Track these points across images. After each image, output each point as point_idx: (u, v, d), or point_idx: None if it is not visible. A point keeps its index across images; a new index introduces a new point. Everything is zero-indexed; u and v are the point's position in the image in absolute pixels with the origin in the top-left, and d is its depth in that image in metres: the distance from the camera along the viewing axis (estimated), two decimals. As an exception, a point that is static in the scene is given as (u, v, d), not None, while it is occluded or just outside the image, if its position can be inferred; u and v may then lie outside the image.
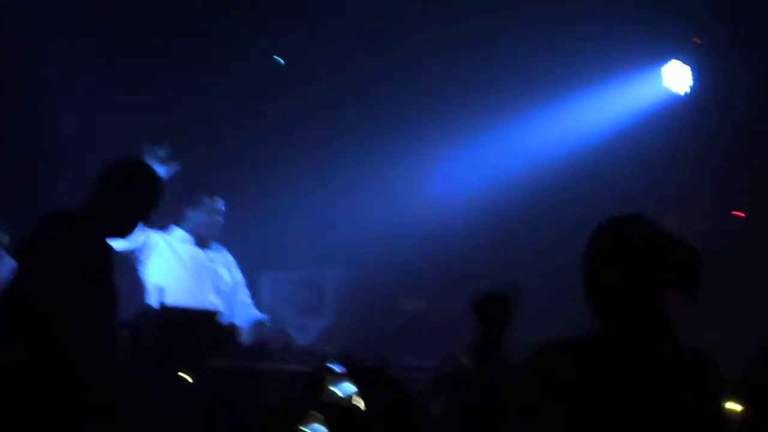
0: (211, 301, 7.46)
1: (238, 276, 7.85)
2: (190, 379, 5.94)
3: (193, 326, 6.27)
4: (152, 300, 7.17)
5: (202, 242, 7.66)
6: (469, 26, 9.23)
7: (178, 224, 7.60)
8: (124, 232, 5.45)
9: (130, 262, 7.35)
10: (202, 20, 9.20)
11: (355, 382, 4.22)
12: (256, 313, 7.75)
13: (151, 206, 5.47)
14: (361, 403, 4.19)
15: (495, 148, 9.62)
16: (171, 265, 7.48)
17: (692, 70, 9.32)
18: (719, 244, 7.91)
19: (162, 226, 7.45)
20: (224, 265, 7.78)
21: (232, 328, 6.83)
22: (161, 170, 7.15)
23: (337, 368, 4.53)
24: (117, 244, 6.17)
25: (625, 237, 3.50)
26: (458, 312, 8.08)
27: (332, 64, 9.52)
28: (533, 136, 9.48)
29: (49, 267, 5.07)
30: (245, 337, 7.16)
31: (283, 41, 9.49)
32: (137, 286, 7.38)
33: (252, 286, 8.07)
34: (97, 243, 5.26)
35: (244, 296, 7.83)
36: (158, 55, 9.16)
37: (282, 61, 9.45)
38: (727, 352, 3.77)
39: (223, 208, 7.66)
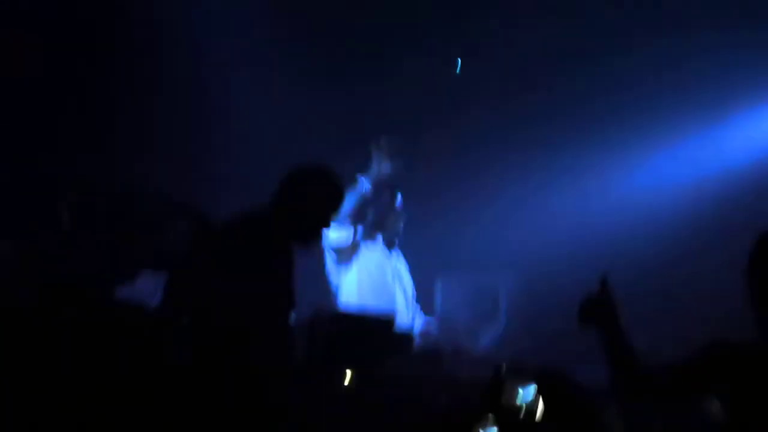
0: (394, 304, 7.47)
1: (408, 281, 7.85)
2: (361, 383, 5.94)
3: (368, 330, 6.25)
4: (340, 301, 7.24)
5: (388, 243, 7.67)
6: (677, 36, 9.14)
7: (364, 222, 7.61)
8: (307, 237, 5.47)
9: (326, 260, 7.43)
10: (394, 19, 9.28)
11: (534, 387, 4.14)
12: (426, 317, 7.73)
13: (334, 212, 5.48)
14: (540, 408, 4.12)
15: (684, 154, 9.57)
16: (361, 265, 7.51)
17: None
18: None
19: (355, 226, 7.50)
20: (405, 268, 7.79)
21: (407, 334, 6.82)
22: (387, 165, 7.24)
23: (514, 373, 4.45)
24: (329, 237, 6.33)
25: None
26: (638, 320, 7.90)
27: (522, 63, 9.52)
28: (722, 144, 9.41)
29: (229, 266, 5.12)
30: (417, 342, 7.14)
31: (471, 42, 9.50)
32: (326, 286, 7.45)
33: (424, 288, 8.05)
34: (279, 246, 5.29)
35: (415, 300, 7.83)
36: (342, 54, 9.28)
37: (459, 63, 9.48)
38: None
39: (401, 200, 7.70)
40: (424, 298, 8.03)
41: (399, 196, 7.63)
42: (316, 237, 5.47)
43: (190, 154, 8.58)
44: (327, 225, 5.46)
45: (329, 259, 7.43)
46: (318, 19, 9.10)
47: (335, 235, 7.30)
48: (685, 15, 9.00)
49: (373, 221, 7.54)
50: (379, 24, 9.28)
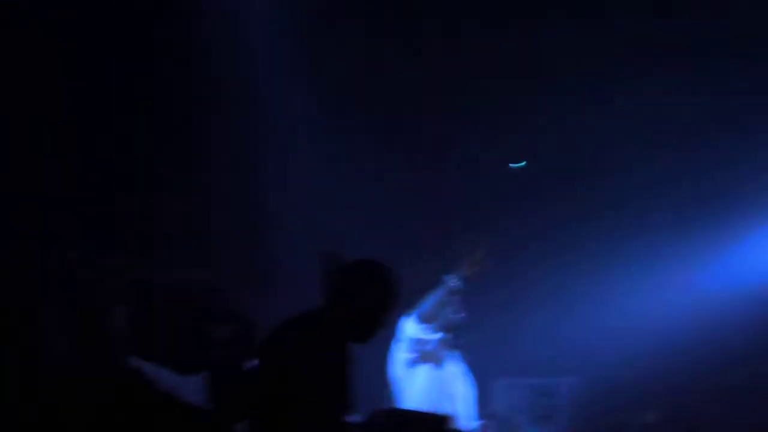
0: (448, 406, 7.43)
1: (469, 383, 7.82)
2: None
3: (425, 428, 6.23)
4: (401, 398, 7.24)
5: (449, 344, 7.65)
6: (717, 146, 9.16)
7: (427, 322, 7.60)
8: (363, 339, 5.45)
9: (391, 356, 7.44)
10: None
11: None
12: (484, 419, 7.68)
13: (391, 309, 5.46)
14: None
15: (735, 264, 9.53)
16: (433, 373, 7.51)
17: None
18: None
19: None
20: (462, 371, 7.76)
21: (464, 432, 6.79)
22: (475, 263, 7.27)
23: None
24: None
25: None
26: (692, 427, 7.83)
27: (588, 166, 9.55)
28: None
29: (287, 371, 5.11)
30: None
31: (539, 141, 9.60)
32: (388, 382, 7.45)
33: (485, 391, 8.01)
34: (335, 344, 5.28)
35: (472, 402, 7.78)
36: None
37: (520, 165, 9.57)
38: None
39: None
40: (483, 400, 7.99)
41: (450, 293, 7.64)
42: (371, 335, 5.44)
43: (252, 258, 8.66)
44: (383, 323, 5.43)
45: (399, 355, 7.44)
46: (389, 112, 9.20)
47: (414, 332, 7.33)
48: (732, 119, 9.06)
49: (449, 321, 7.54)
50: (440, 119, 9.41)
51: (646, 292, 9.55)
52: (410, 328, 7.34)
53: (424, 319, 7.33)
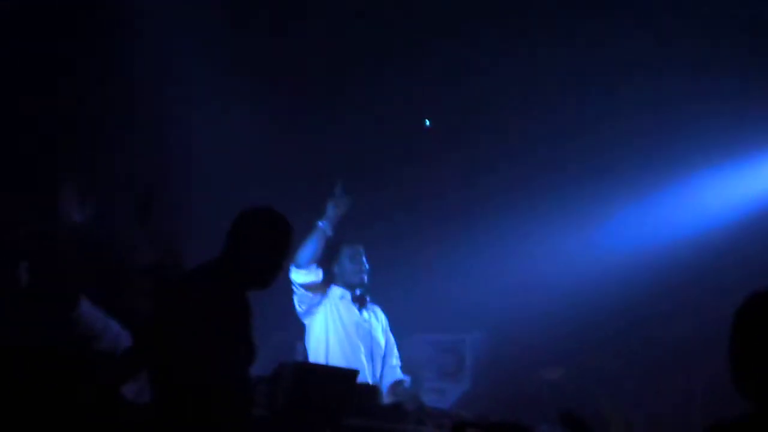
0: (361, 361, 7.43)
1: (390, 338, 7.80)
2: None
3: (331, 384, 6.23)
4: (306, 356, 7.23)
5: (358, 300, 7.64)
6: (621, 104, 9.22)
7: (333, 281, 7.59)
8: (262, 285, 5.43)
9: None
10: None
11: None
12: (400, 375, 7.69)
13: (286, 253, 5.46)
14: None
15: (636, 222, 9.63)
16: (329, 321, 7.50)
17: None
18: None
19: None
20: (378, 326, 7.74)
21: (371, 388, 6.80)
22: (342, 209, 7.29)
23: (476, 426, 4.44)
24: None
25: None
26: (595, 383, 7.92)
27: (483, 123, 9.55)
28: (669, 212, 9.50)
29: (186, 323, 5.08)
30: (384, 398, 7.13)
31: (434, 98, 9.54)
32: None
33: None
34: (234, 297, 5.25)
35: (393, 358, 7.77)
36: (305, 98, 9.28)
37: (428, 123, 9.56)
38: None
39: (363, 253, 7.66)
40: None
41: (362, 250, 7.64)
42: (270, 281, 5.43)
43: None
44: (278, 269, 5.42)
45: (296, 302, 7.45)
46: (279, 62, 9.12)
47: (302, 277, 7.35)
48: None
49: (335, 270, 7.58)
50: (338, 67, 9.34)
51: (550, 250, 9.63)
52: (295, 276, 7.36)
53: (301, 265, 7.35)
